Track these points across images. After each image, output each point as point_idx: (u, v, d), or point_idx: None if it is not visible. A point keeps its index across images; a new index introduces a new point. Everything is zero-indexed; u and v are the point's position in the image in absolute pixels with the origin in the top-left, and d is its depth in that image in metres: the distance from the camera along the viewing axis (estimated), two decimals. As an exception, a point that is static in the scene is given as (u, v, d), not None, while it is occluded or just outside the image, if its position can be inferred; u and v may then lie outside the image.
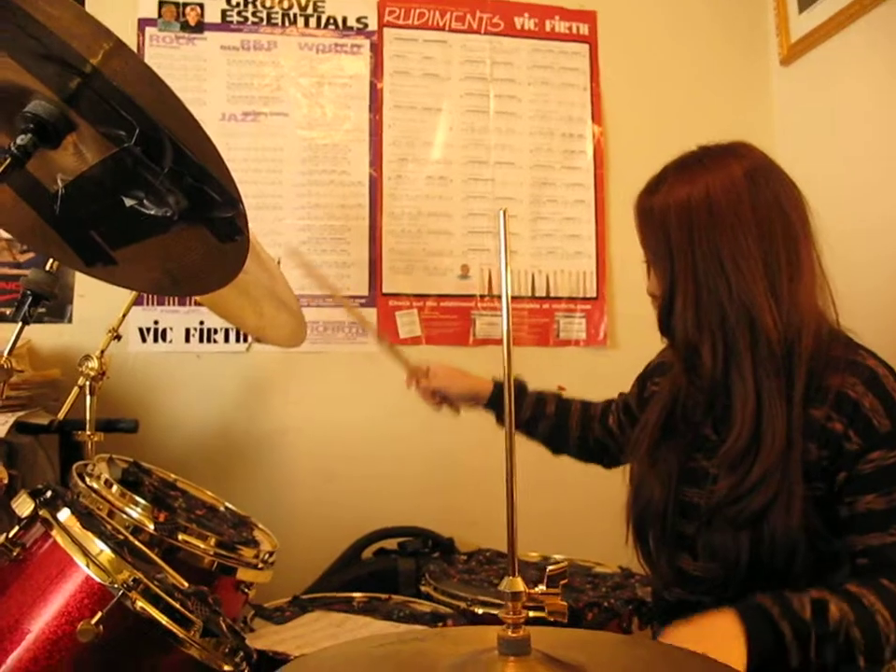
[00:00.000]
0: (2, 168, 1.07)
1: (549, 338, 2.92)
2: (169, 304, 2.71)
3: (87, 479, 1.63)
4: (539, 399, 2.03)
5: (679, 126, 2.92)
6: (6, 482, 1.35)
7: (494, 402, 2.03)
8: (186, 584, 1.33)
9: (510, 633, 0.88)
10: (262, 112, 2.83)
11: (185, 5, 2.82)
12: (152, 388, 2.67)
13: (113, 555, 1.17)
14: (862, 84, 2.65)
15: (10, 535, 1.21)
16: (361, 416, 2.72)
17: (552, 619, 0.91)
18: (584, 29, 3.07)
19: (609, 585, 1.98)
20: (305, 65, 2.88)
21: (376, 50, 2.93)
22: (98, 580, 1.13)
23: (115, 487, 1.62)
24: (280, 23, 2.87)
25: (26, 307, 1.43)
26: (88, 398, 1.94)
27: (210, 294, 1.91)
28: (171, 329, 2.71)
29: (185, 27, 2.81)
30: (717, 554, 1.46)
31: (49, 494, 1.27)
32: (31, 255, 2.58)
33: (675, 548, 1.57)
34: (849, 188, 2.64)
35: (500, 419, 2.02)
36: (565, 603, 0.91)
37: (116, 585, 1.12)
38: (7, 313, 2.57)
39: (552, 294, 2.93)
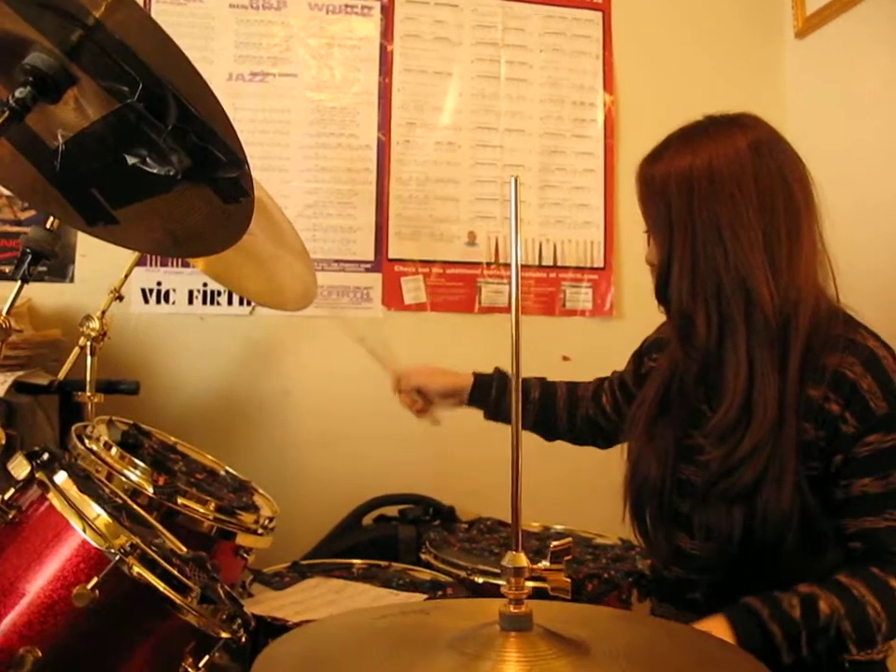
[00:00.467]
0: (1, 121, 1.04)
1: (555, 307, 2.90)
2: (172, 265, 2.69)
3: (86, 441, 1.62)
4: (523, 386, 2.00)
5: (691, 97, 2.87)
6: (3, 442, 1.33)
7: (476, 397, 2.01)
8: (184, 549, 1.32)
9: (511, 608, 0.87)
10: (270, 73, 2.80)
11: (193, -39, 2.77)
12: (154, 350, 2.66)
13: (110, 520, 1.15)
14: (877, 60, 2.62)
15: (6, 497, 1.20)
16: (365, 381, 2.69)
17: (554, 595, 0.90)
18: (598, -4, 3.03)
19: (610, 557, 1.98)
20: (315, 26, 2.84)
21: (387, 13, 2.88)
22: (94, 544, 1.12)
23: (114, 450, 1.61)
24: (290, -18, 2.83)
25: (25, 266, 1.42)
26: (88, 358, 1.92)
27: (212, 261, 1.89)
28: (174, 290, 2.69)
29: (193, -17, 2.77)
30: (712, 532, 1.46)
31: (45, 456, 1.26)
32: (32, 212, 2.55)
33: (672, 526, 1.57)
34: (858, 165, 2.62)
35: (487, 415, 2.01)
36: (568, 580, 0.90)
37: (112, 550, 1.10)
38: (7, 271, 2.55)
39: (559, 263, 2.91)
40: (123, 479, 1.55)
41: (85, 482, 1.29)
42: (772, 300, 1.40)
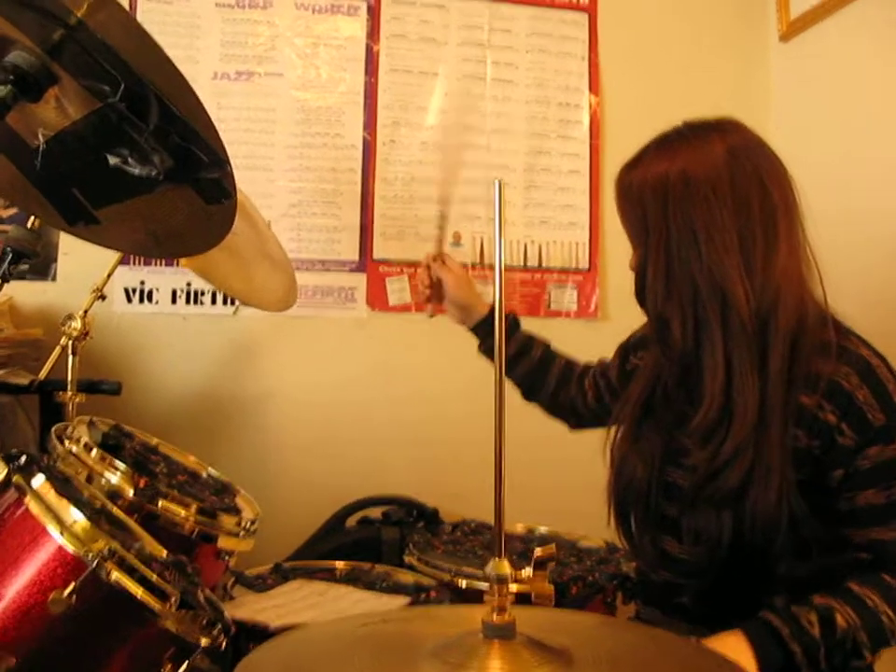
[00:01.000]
0: (-21, 120, 1.03)
1: (540, 308, 2.90)
2: (156, 265, 2.67)
3: (66, 441, 1.60)
4: (528, 339, 2.01)
5: (677, 99, 2.89)
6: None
7: (481, 327, 2.00)
8: (164, 553, 1.31)
9: (494, 616, 0.86)
10: (256, 72, 2.78)
11: (179, -40, 2.76)
12: (137, 350, 2.64)
13: (88, 524, 1.14)
14: (861, 63, 2.63)
15: (-17, 500, 1.18)
16: (349, 383, 2.70)
17: (537, 603, 0.90)
18: (585, -2, 3.03)
19: (594, 559, 1.98)
20: (301, 25, 2.83)
21: (373, 13, 2.88)
22: (72, 549, 1.10)
23: (94, 451, 1.59)
24: (276, -19, 2.82)
25: (6, 265, 1.40)
26: (70, 358, 1.91)
27: (197, 259, 1.88)
28: (157, 289, 2.67)
29: (179, -18, 2.76)
30: (700, 537, 1.45)
31: (23, 459, 1.24)
32: (14, 210, 2.53)
33: (658, 530, 1.56)
34: (843, 168, 2.63)
35: (482, 347, 2.00)
36: (552, 588, 0.89)
37: (90, 555, 1.09)
38: (-12, 270, 2.53)
39: (544, 264, 2.91)
40: (103, 481, 1.53)
41: (64, 485, 1.28)
42: (748, 301, 1.40)
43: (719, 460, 1.41)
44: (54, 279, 2.60)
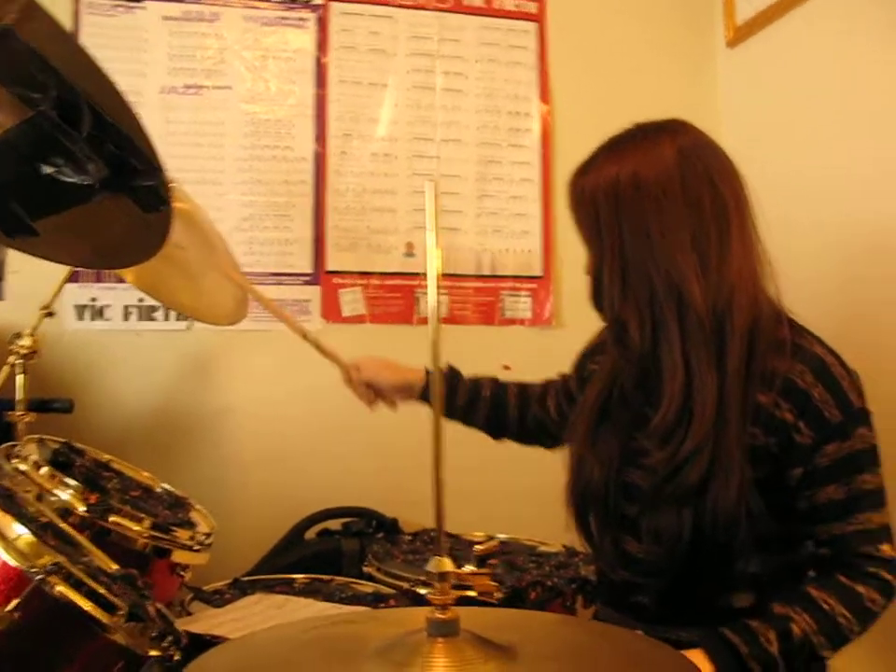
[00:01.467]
0: None
1: (494, 317, 2.90)
2: (107, 281, 2.65)
3: (14, 460, 1.59)
4: (474, 384, 2.00)
5: (627, 105, 2.87)
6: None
7: (427, 394, 1.98)
8: (113, 567, 1.30)
9: (438, 614, 0.87)
10: (204, 85, 2.78)
11: (124, -28, 2.75)
12: (89, 367, 2.62)
13: (33, 539, 1.13)
14: (805, 68, 2.67)
15: (-75, 520, 1.17)
16: (304, 395, 2.69)
17: (480, 599, 0.90)
18: (533, 7, 3.06)
19: (553, 564, 1.98)
20: (249, 38, 2.83)
21: (322, 25, 2.88)
22: (15, 564, 1.09)
23: (44, 469, 1.58)
24: (224, -6, 2.81)
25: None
26: (18, 377, 1.89)
27: (144, 276, 1.87)
28: (108, 306, 2.65)
29: (124, -4, 2.74)
30: (661, 536, 1.46)
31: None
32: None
33: (618, 530, 1.56)
34: (793, 173, 2.66)
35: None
36: (494, 583, 0.89)
37: (34, 570, 1.08)
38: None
39: (497, 272, 2.92)
40: (53, 498, 1.52)
41: (7, 501, 1.27)
42: (704, 299, 1.41)
43: (678, 458, 1.42)
44: (2, 298, 2.57)
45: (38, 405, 2.00)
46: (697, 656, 1.32)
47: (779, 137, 2.78)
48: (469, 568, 0.89)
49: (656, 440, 1.47)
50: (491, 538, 2.23)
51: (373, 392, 2.06)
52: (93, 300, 2.64)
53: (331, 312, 2.78)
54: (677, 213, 1.43)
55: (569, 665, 0.88)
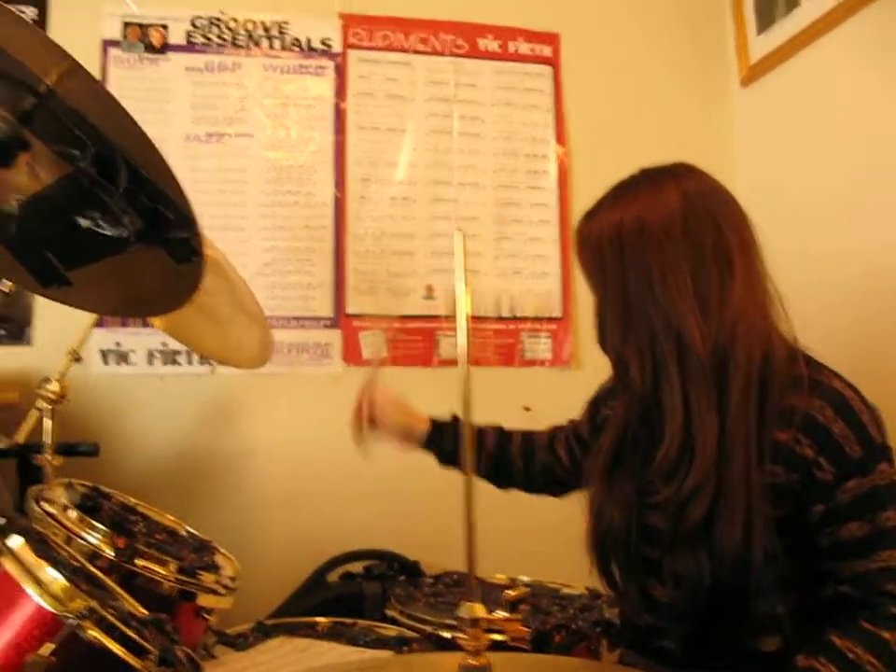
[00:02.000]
0: (-48, 188, 1.05)
1: (514, 358, 2.91)
2: (132, 326, 2.68)
3: (43, 504, 1.60)
4: (478, 434, 1.98)
5: (642, 145, 2.93)
6: (-40, 508, 1.31)
7: (431, 442, 1.98)
8: (143, 612, 1.30)
9: (470, 660, 0.87)
10: (227, 133, 2.83)
11: (149, 26, 2.81)
12: (114, 411, 2.64)
13: (66, 584, 1.14)
14: (819, 105, 2.69)
15: (-39, 564, 1.18)
16: (326, 438, 2.69)
17: (512, 645, 0.90)
18: (548, 51, 3.09)
19: (577, 607, 1.97)
20: (270, 86, 2.88)
21: (340, 72, 2.93)
22: (50, 609, 1.10)
23: (73, 513, 1.59)
24: (244, 45, 2.87)
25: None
26: (47, 421, 1.91)
27: (171, 320, 1.89)
28: (133, 351, 2.68)
29: (149, 48, 2.80)
30: (681, 579, 1.45)
31: (1, 521, 1.24)
32: (-13, 276, 2.54)
33: (642, 574, 1.55)
34: (807, 206, 2.67)
35: (441, 460, 1.98)
36: (526, 629, 0.90)
37: (68, 615, 1.09)
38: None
39: (517, 314, 2.94)
40: (82, 542, 1.53)
41: (41, 545, 1.28)
42: (704, 340, 1.41)
43: (681, 496, 1.41)
44: (30, 343, 2.61)
45: (65, 449, 2.01)
46: None
47: (794, 173, 2.79)
48: (500, 614, 0.89)
49: (659, 479, 1.47)
50: (513, 580, 2.23)
51: (368, 426, 2.02)
52: (118, 344, 2.67)
53: (352, 355, 2.80)
54: (678, 256, 1.43)
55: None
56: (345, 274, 2.83)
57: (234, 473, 2.70)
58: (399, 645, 1.75)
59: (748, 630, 1.44)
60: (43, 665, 1.04)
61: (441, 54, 3.01)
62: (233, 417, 2.73)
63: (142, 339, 2.68)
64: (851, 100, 2.54)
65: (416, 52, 2.99)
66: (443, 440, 1.95)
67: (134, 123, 1.04)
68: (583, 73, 3.11)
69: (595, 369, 2.83)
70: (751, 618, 1.43)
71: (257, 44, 2.89)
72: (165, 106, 2.79)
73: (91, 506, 1.74)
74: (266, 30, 2.90)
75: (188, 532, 1.93)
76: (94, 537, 1.55)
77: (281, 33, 2.91)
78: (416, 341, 2.84)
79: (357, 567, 2.56)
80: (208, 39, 2.86)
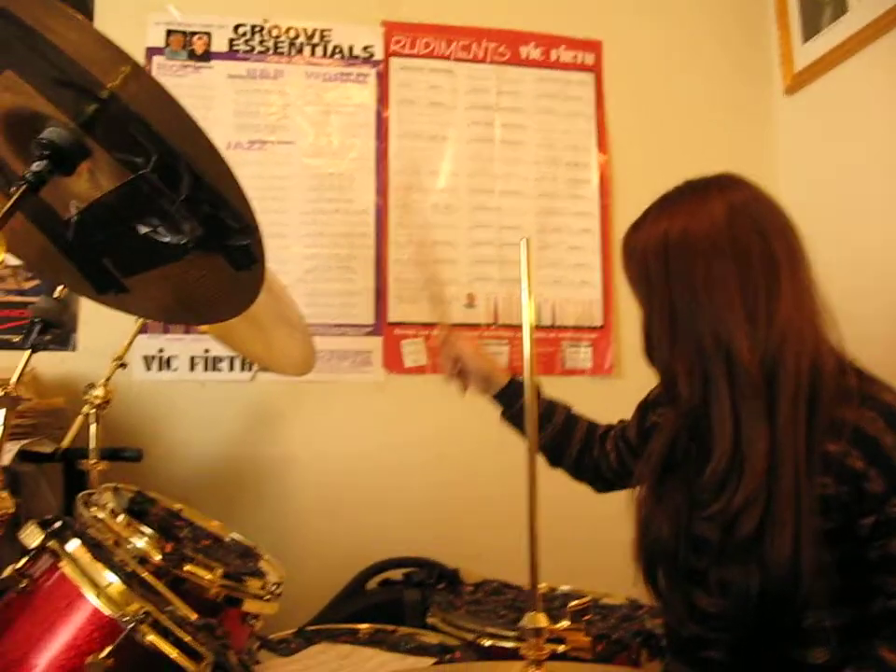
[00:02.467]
0: (17, 195, 1.06)
1: (555, 367, 2.91)
2: (174, 332, 2.70)
3: (92, 508, 1.61)
4: (550, 405, 1.99)
5: (684, 153, 2.94)
6: (11, 511, 1.32)
7: (504, 394, 1.98)
8: (194, 616, 1.31)
9: (532, 670, 0.87)
10: (268, 140, 2.84)
11: (192, 34, 2.83)
12: (156, 417, 2.66)
13: (123, 587, 1.15)
14: (866, 114, 2.67)
15: (18, 566, 1.19)
16: (367, 446, 2.70)
17: (573, 655, 0.90)
18: (590, 59, 3.09)
19: (618, 617, 1.96)
20: (311, 94, 2.89)
21: (382, 79, 2.94)
22: (108, 612, 1.11)
23: (121, 517, 1.60)
24: (287, 52, 2.88)
25: (35, 334, 1.42)
26: (91, 426, 1.92)
27: (221, 325, 1.90)
28: (175, 357, 2.70)
29: (192, 56, 2.83)
30: (729, 589, 1.44)
31: (57, 524, 1.25)
32: (36, 282, 2.57)
33: (688, 584, 1.55)
34: (852, 219, 2.64)
35: (505, 414, 1.98)
36: (587, 639, 0.89)
37: (126, 618, 1.10)
38: (15, 340, 2.56)
39: (557, 323, 2.93)
40: (130, 546, 1.54)
41: (96, 549, 1.29)
42: (752, 353, 1.40)
43: (731, 510, 1.40)
44: (74, 349, 2.63)
45: (109, 454, 2.03)
46: None
47: (839, 184, 2.77)
48: (564, 624, 0.89)
49: (709, 492, 1.46)
50: (553, 589, 2.23)
51: (458, 367, 2.04)
52: (161, 350, 2.69)
53: (393, 363, 2.80)
54: (724, 268, 1.42)
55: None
56: (387, 282, 2.84)
57: (275, 480, 2.71)
58: (441, 653, 1.75)
59: (795, 642, 1.43)
60: (101, 667, 1.05)
61: (483, 62, 3.01)
62: (274, 424, 2.74)
63: (184, 345, 2.70)
64: (897, 110, 2.52)
65: (458, 60, 2.99)
66: (514, 401, 1.95)
67: (198, 128, 1.04)
68: (626, 80, 3.10)
69: (635, 378, 2.83)
70: (799, 630, 1.41)
71: (299, 51, 2.90)
72: (208, 114, 2.80)
73: (137, 510, 1.76)
74: (308, 37, 2.91)
75: (232, 538, 1.94)
76: (142, 541, 1.56)
77: (323, 40, 2.92)
78: (458, 349, 2.84)
79: (396, 574, 2.55)
80: (251, 47, 2.87)
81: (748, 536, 1.38)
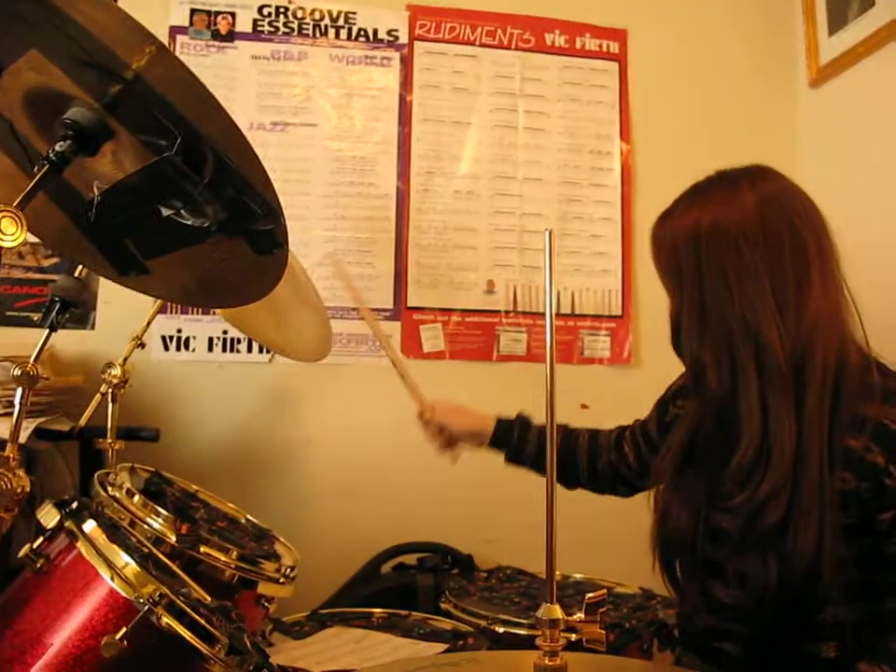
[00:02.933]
0: (40, 175, 1.05)
1: (573, 355, 2.90)
2: (192, 313, 2.70)
3: (109, 488, 1.62)
4: (541, 433, 1.97)
5: (707, 144, 2.92)
6: (28, 489, 1.32)
7: (498, 441, 1.98)
8: (209, 599, 1.31)
9: (546, 661, 0.87)
10: (291, 122, 2.83)
11: (216, 13, 2.82)
12: (174, 397, 2.66)
13: (138, 569, 1.15)
14: (891, 109, 2.64)
15: (34, 546, 1.20)
16: (383, 430, 2.70)
17: (588, 647, 0.90)
18: (614, 47, 3.07)
19: (630, 606, 1.97)
20: (335, 76, 2.88)
21: (406, 63, 2.93)
22: (123, 593, 1.12)
23: (137, 497, 1.61)
24: (311, 34, 2.87)
25: (54, 314, 1.41)
26: (109, 405, 1.93)
27: (235, 310, 1.90)
28: (194, 337, 2.70)
29: (216, 36, 2.82)
30: (747, 581, 1.44)
31: (74, 505, 1.26)
32: (55, 260, 2.57)
33: (705, 575, 1.54)
34: (872, 213, 2.62)
35: (508, 458, 1.97)
36: (603, 631, 0.89)
37: (141, 599, 1.10)
38: (34, 318, 2.57)
39: (577, 311, 2.92)
40: (146, 527, 1.55)
41: (113, 530, 1.29)
42: (782, 343, 1.40)
43: (756, 500, 1.40)
44: (93, 327, 2.63)
45: (126, 433, 2.03)
46: None
47: (861, 178, 2.74)
48: (579, 616, 0.89)
49: (735, 482, 1.46)
50: (565, 577, 2.23)
51: (445, 436, 2.05)
52: (179, 331, 2.69)
53: (412, 347, 2.80)
54: (755, 258, 1.42)
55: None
56: (406, 267, 2.84)
57: (291, 462, 2.71)
58: (454, 639, 1.75)
59: (810, 635, 1.43)
60: (116, 647, 1.05)
61: (508, 48, 2.99)
62: (291, 406, 2.75)
63: (203, 326, 2.70)
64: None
65: (483, 45, 2.97)
66: (509, 440, 1.95)
67: (222, 110, 1.04)
68: (650, 70, 3.08)
69: (653, 368, 2.83)
70: (815, 624, 1.41)
71: (323, 33, 2.89)
72: (230, 94, 2.80)
73: (154, 491, 1.77)
74: (333, 20, 2.90)
75: (247, 520, 1.95)
76: (158, 522, 1.57)
77: (347, 23, 2.91)
78: (476, 335, 2.83)
79: (410, 559, 2.56)
80: (275, 28, 2.86)
81: (772, 526, 1.38)
